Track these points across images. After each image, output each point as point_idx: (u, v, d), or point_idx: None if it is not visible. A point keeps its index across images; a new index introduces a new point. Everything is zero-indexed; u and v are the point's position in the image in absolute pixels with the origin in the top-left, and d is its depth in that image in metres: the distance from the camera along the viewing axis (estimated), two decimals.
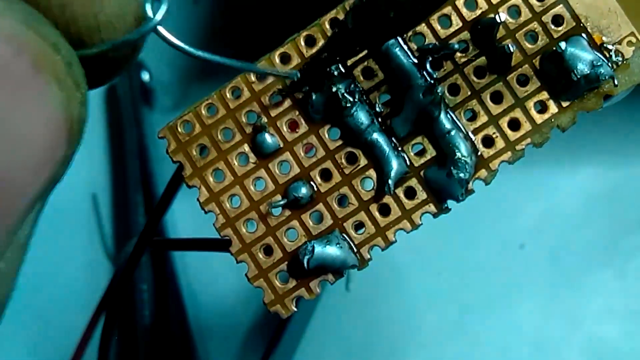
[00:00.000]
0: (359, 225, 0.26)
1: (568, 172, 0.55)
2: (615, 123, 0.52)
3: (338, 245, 0.26)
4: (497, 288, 0.53)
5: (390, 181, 0.25)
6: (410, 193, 0.26)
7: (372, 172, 0.26)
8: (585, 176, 0.55)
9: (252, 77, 0.26)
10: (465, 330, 0.53)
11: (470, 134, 0.26)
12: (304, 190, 0.26)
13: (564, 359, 0.52)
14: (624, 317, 0.52)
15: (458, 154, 0.25)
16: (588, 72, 0.25)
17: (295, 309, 0.27)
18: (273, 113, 0.26)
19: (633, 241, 0.54)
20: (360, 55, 0.25)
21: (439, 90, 0.25)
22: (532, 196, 0.55)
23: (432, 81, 0.26)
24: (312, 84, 0.25)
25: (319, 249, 0.26)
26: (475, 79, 0.26)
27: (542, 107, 0.26)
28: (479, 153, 0.26)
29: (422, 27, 0.26)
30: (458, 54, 0.26)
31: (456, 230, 0.52)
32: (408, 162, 0.26)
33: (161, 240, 0.32)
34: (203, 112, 0.26)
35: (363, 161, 0.26)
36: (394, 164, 0.26)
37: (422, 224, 0.26)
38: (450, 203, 0.26)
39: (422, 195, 0.26)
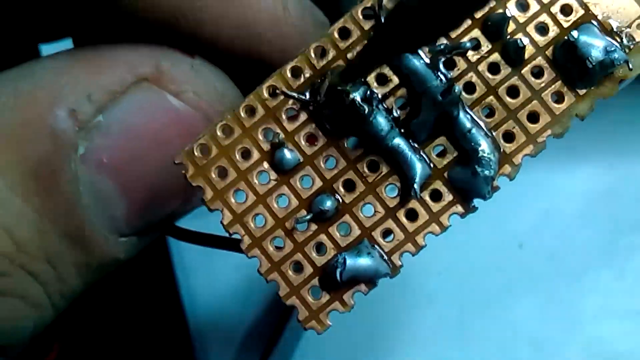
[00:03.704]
0: (387, 233, 0.26)
1: (567, 172, 0.55)
2: (614, 123, 0.52)
3: (369, 255, 0.26)
4: (496, 287, 0.53)
5: (415, 185, 0.25)
6: (436, 195, 0.26)
7: (395, 178, 0.26)
8: (584, 176, 0.55)
9: (265, 94, 0.26)
10: (464, 330, 0.53)
11: (490, 130, 0.26)
12: (328, 203, 0.26)
13: (562, 358, 0.52)
14: (623, 317, 0.52)
15: (481, 152, 0.25)
16: (602, 58, 0.25)
17: (330, 324, 0.26)
18: (290, 128, 0.26)
19: (632, 241, 0.54)
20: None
21: (456, 90, 0.25)
22: (531, 196, 0.55)
23: (448, 81, 0.25)
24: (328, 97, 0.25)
25: (350, 260, 0.25)
26: (489, 75, 0.26)
27: (558, 97, 0.26)
28: (501, 149, 0.26)
29: None
30: (470, 52, 0.26)
31: (456, 230, 0.52)
32: (431, 165, 0.26)
33: (183, 230, 0.31)
34: (219, 133, 0.26)
35: (385, 168, 0.26)
36: (418, 168, 0.25)
37: (450, 225, 0.26)
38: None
39: (448, 196, 0.26)
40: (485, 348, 0.52)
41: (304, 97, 0.26)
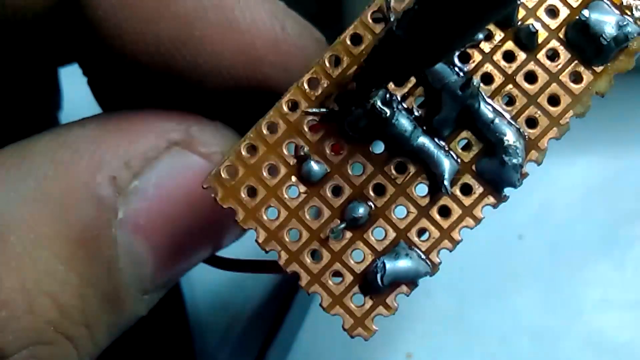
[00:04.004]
0: (422, 232, 0.26)
1: (566, 163, 0.55)
2: (613, 114, 0.52)
3: (407, 256, 0.26)
4: (496, 278, 0.53)
5: (445, 182, 0.25)
6: (467, 189, 0.26)
7: (423, 177, 0.26)
8: (584, 167, 0.55)
9: (285, 109, 0.26)
10: (464, 320, 0.52)
11: (513, 118, 0.26)
12: (361, 210, 0.26)
13: (562, 349, 0.52)
14: (622, 307, 0.52)
15: (506, 141, 0.25)
16: (616, 33, 0.25)
17: (376, 328, 0.26)
18: (313, 139, 0.26)
19: (631, 231, 0.53)
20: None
21: (475, 82, 0.25)
22: (531, 187, 0.55)
23: (465, 75, 0.25)
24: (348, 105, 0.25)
25: (389, 264, 0.25)
26: (505, 64, 0.26)
27: (576, 77, 0.26)
28: (526, 135, 0.26)
29: None
30: (483, 43, 0.26)
31: None
32: (458, 160, 0.26)
33: (219, 259, 0.32)
34: (244, 153, 0.26)
35: (412, 168, 0.26)
36: (446, 164, 0.25)
37: (484, 217, 0.26)
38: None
39: (478, 189, 0.26)
40: (484, 339, 0.52)
41: (325, 110, 0.26)
